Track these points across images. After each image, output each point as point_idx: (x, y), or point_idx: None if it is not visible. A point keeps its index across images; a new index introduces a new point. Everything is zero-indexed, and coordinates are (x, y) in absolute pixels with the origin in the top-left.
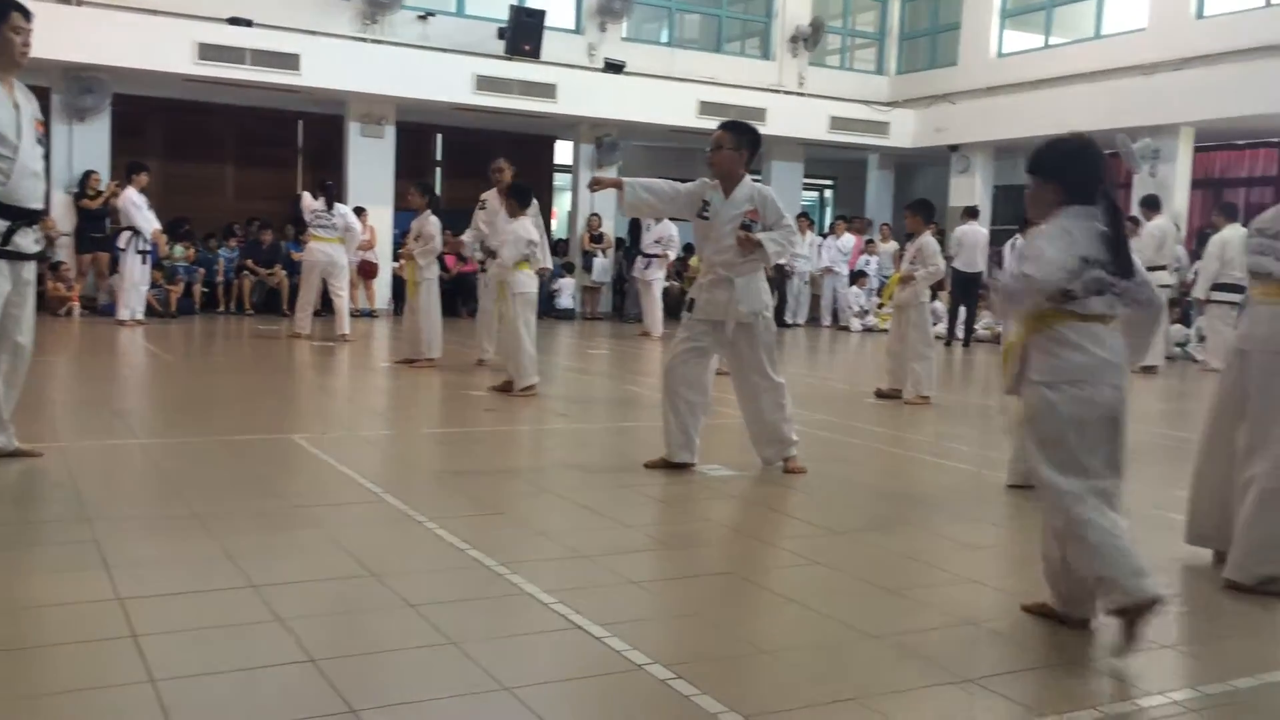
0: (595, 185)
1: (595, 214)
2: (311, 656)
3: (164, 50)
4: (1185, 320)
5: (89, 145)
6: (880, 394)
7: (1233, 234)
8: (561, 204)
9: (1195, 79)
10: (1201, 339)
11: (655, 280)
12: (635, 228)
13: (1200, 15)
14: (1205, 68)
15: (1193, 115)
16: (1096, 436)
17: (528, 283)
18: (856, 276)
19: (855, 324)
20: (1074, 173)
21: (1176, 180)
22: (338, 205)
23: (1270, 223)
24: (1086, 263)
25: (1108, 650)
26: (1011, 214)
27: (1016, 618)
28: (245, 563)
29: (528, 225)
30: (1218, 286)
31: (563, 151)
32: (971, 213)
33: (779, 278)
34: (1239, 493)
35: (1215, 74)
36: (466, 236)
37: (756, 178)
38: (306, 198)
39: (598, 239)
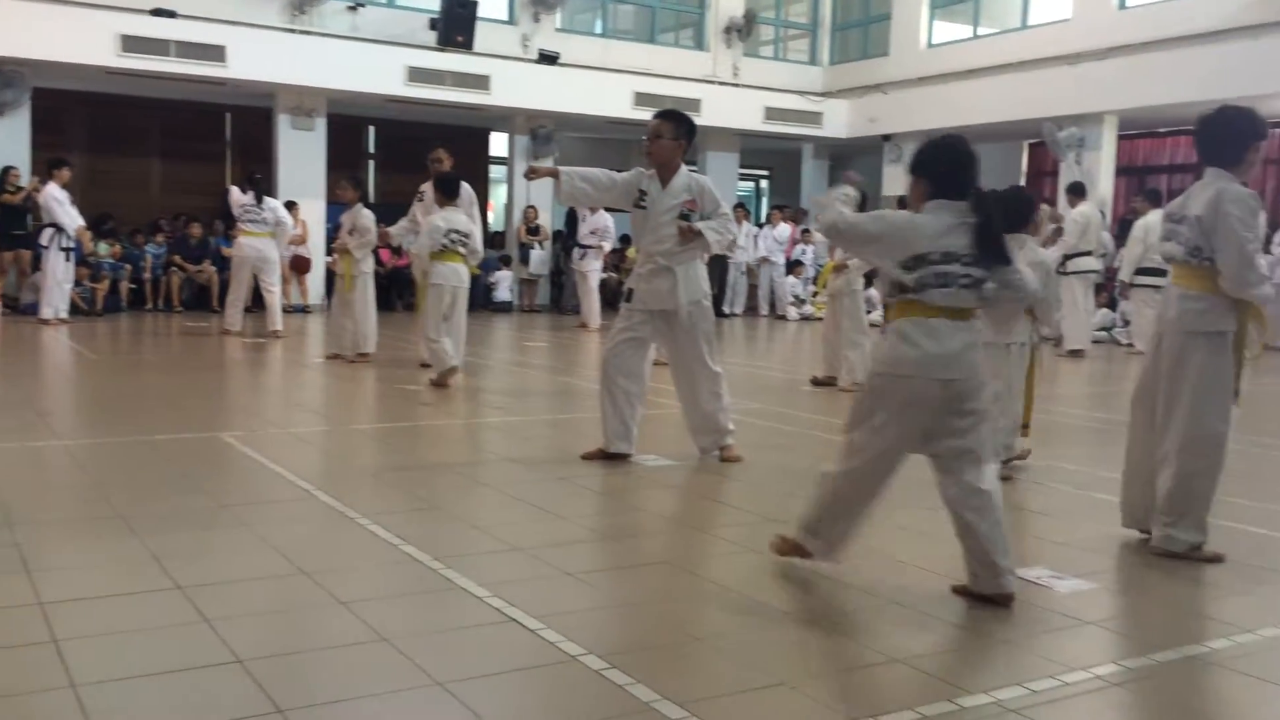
0: (532, 174)
1: (531, 206)
2: (238, 657)
3: (85, 42)
4: (1111, 305)
5: (8, 140)
6: (816, 382)
7: (1155, 219)
8: (497, 196)
9: (1118, 68)
10: (1126, 323)
11: (591, 271)
12: (573, 219)
13: (1123, 6)
14: (1128, 57)
15: (1116, 104)
16: (906, 422)
17: (446, 274)
18: (793, 266)
19: (792, 313)
20: (939, 168)
21: (1101, 168)
22: (267, 199)
23: (1177, 208)
24: (922, 258)
25: (1032, 628)
26: None
27: (946, 599)
28: (171, 564)
29: (451, 215)
30: (1141, 271)
31: (498, 143)
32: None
33: (720, 267)
34: (1157, 467)
35: (1137, 63)
36: (395, 228)
37: (693, 168)
38: (235, 192)
39: (534, 231)
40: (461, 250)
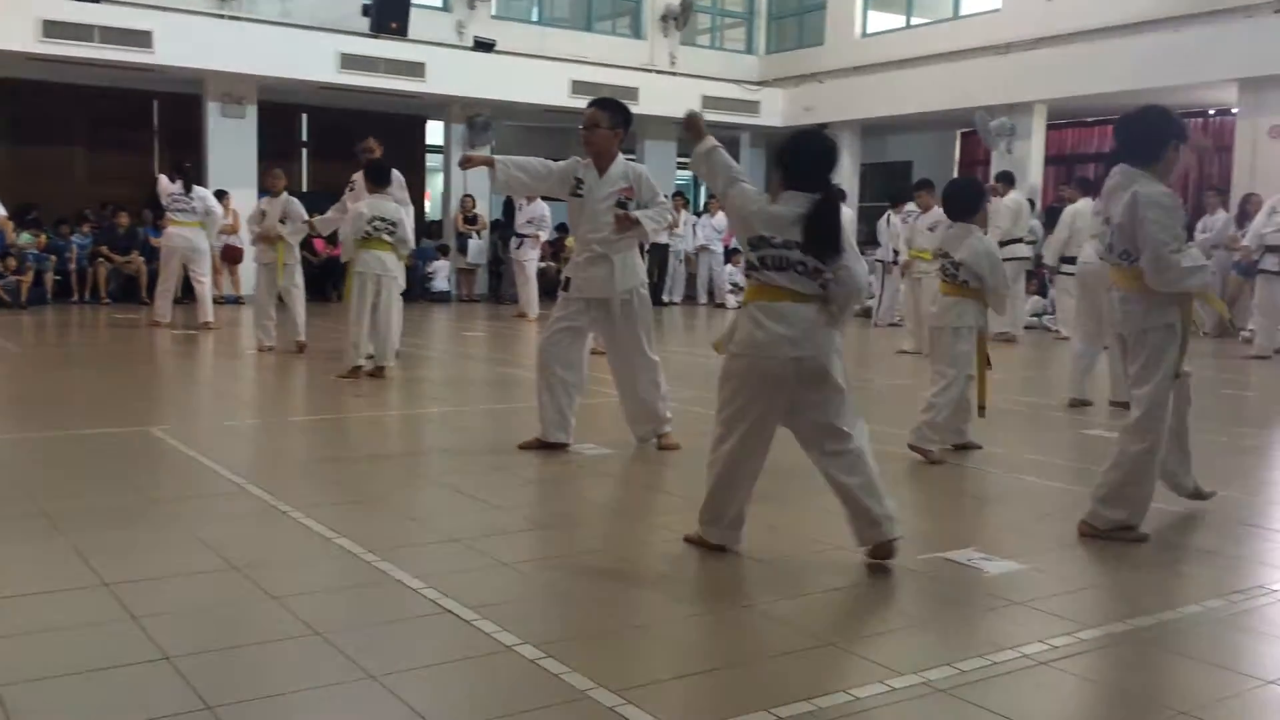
0: (467, 163)
1: (469, 195)
2: (166, 654)
3: (5, 27)
4: (1042, 291)
5: None
6: None
7: (1085, 206)
8: (434, 185)
9: (1047, 59)
10: (1054, 310)
11: (529, 260)
12: (510, 208)
13: None
14: (1056, 48)
15: (1045, 94)
16: (765, 399)
17: (369, 261)
18: (731, 254)
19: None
20: (796, 161)
21: (1031, 157)
22: (196, 188)
23: (1101, 209)
24: (763, 240)
25: (961, 609)
26: (879, 191)
27: (877, 583)
28: (97, 560)
29: (377, 203)
30: (1066, 259)
31: (434, 132)
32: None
33: (659, 256)
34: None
35: (1066, 54)
36: (322, 216)
37: (630, 157)
38: (163, 181)
39: (472, 220)
40: (388, 239)
